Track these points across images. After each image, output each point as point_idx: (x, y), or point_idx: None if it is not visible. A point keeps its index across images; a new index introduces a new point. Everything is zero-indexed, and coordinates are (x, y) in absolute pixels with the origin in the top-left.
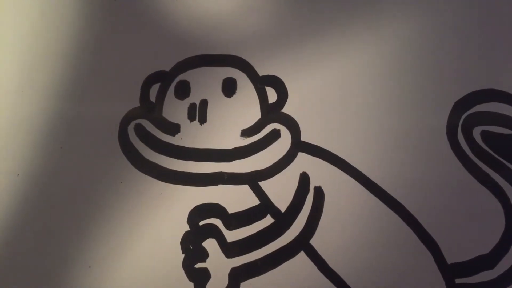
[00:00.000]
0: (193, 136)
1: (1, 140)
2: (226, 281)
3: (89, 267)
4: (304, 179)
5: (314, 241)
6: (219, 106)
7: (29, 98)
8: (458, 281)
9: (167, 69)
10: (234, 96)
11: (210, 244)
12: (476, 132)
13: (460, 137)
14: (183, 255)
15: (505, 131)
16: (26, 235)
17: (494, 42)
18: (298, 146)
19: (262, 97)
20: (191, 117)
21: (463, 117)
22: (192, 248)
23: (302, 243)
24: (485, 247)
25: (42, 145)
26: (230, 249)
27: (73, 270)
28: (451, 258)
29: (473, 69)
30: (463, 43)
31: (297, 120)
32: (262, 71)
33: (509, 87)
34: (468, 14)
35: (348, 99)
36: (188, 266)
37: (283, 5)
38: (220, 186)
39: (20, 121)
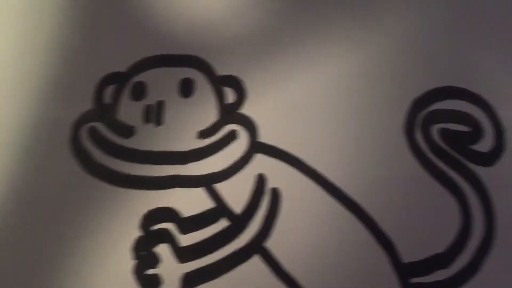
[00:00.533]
0: (148, 138)
1: None
2: (177, 287)
3: (33, 272)
4: (260, 180)
5: (269, 244)
6: (176, 107)
7: None
8: (413, 280)
9: (123, 69)
10: (191, 97)
11: (163, 249)
12: (434, 130)
13: (418, 135)
14: (135, 261)
15: (464, 128)
16: None
17: (453, 39)
18: (256, 147)
19: (220, 97)
20: (147, 119)
21: (421, 115)
22: (144, 253)
23: (256, 246)
24: (441, 246)
25: None
26: (183, 254)
27: (13, 275)
28: (406, 257)
29: (432, 66)
30: (421, 41)
31: (255, 121)
32: (221, 71)
33: (468, 84)
34: (426, 12)
35: (307, 100)
36: (139, 273)
37: (243, 3)
38: (175, 189)
39: None
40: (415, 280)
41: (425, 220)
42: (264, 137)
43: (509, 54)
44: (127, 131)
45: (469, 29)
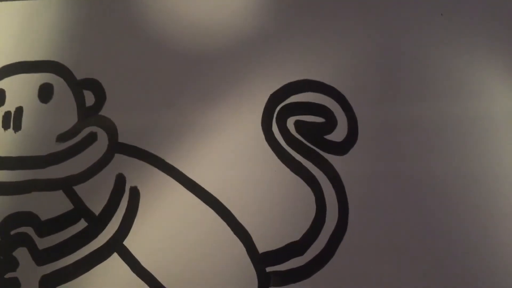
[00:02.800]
0: (7, 144)
1: None
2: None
3: None
4: (120, 180)
5: (127, 242)
6: (35, 112)
7: None
8: (269, 269)
9: None
10: (50, 101)
11: (21, 253)
12: (290, 122)
13: (275, 128)
14: None
15: (318, 119)
16: None
17: (307, 33)
18: (115, 147)
19: (80, 100)
20: (5, 126)
21: (277, 108)
22: (2, 258)
23: (115, 245)
24: (297, 235)
25: None
26: (41, 257)
27: None
28: (263, 247)
29: (288, 61)
30: (277, 37)
31: (114, 122)
32: (80, 75)
33: (322, 76)
34: (278, 8)
35: (166, 99)
36: None
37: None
38: (33, 193)
39: None
40: (271, 268)
41: (282, 211)
42: (124, 137)
43: (362, 48)
44: None
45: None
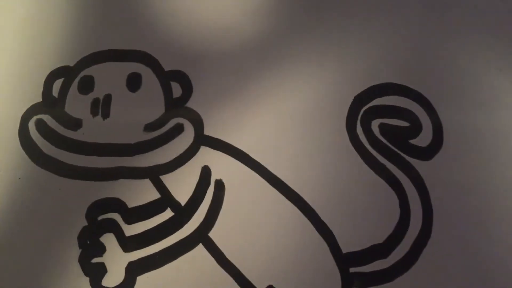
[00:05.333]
0: (95, 131)
1: None
2: (122, 276)
3: None
4: (205, 172)
5: (212, 234)
6: (123, 101)
7: None
8: (352, 270)
9: (72, 64)
10: (138, 91)
11: (108, 239)
12: (375, 125)
13: (359, 130)
14: (80, 250)
15: (402, 123)
16: None
17: (392, 37)
18: (201, 140)
19: (167, 92)
20: (94, 112)
21: (362, 110)
22: (89, 243)
23: (200, 236)
24: (380, 237)
25: None
26: (127, 244)
27: None
28: (347, 247)
29: (374, 64)
30: (364, 40)
31: (201, 115)
32: (167, 66)
33: (407, 81)
34: (371, 9)
35: (254, 96)
36: (84, 261)
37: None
38: (121, 180)
39: None
40: (354, 269)
41: (365, 212)
42: (209, 130)
43: (451, 54)
44: (75, 124)
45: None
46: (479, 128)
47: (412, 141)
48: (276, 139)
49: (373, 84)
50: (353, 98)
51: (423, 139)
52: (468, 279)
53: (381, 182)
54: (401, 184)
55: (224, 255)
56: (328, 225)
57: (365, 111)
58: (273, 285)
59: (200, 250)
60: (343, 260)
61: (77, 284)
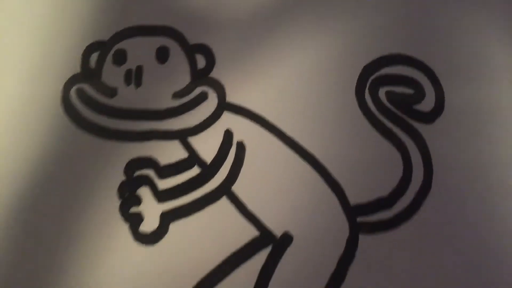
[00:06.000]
0: (129, 98)
1: None
2: (157, 223)
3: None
4: (228, 135)
5: (235, 188)
6: (153, 71)
7: None
8: (359, 219)
9: (106, 39)
10: (166, 63)
11: (144, 192)
12: (382, 92)
13: (367, 97)
14: (120, 201)
15: (407, 90)
16: None
17: (401, 10)
18: (224, 106)
19: (192, 63)
20: (128, 82)
21: (370, 79)
22: (127, 195)
23: (224, 190)
24: (385, 191)
25: None
26: (161, 195)
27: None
28: (354, 200)
29: (383, 36)
30: (372, 14)
31: (223, 83)
32: (192, 40)
33: (414, 52)
34: None
35: (269, 63)
36: (124, 211)
37: None
38: (153, 141)
39: None
40: (361, 219)
41: (372, 170)
42: (231, 97)
43: (453, 25)
44: (111, 92)
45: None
46: (477, 98)
47: (416, 107)
48: (292, 104)
49: (381, 55)
50: (362, 67)
51: (426, 105)
52: (462, 225)
53: (387, 143)
54: (405, 145)
55: (245, 206)
56: (338, 180)
57: (373, 79)
58: (289, 231)
59: (224, 202)
60: (351, 211)
61: (118, 230)
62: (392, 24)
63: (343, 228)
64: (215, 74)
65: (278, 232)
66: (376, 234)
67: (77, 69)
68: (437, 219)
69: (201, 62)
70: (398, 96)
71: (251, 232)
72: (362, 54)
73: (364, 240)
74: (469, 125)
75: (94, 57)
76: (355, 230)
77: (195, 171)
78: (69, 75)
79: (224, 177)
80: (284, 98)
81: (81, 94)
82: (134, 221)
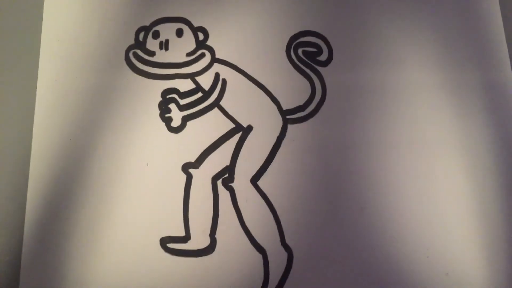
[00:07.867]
0: (161, 57)
1: None
2: (180, 122)
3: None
4: (217, 75)
5: (222, 103)
6: (174, 42)
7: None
8: (288, 116)
9: (147, 24)
10: (182, 37)
11: (172, 106)
12: (300, 51)
13: (292, 53)
14: (159, 111)
15: (314, 49)
16: None
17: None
18: (214, 60)
19: (196, 37)
20: (160, 47)
21: (293, 43)
22: (163, 107)
23: (215, 104)
24: (301, 102)
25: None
26: (181, 108)
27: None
28: (285, 107)
29: (301, 15)
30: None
31: (213, 47)
32: (196, 24)
33: (319, 28)
34: None
35: (241, 38)
36: (162, 116)
37: None
38: (176, 80)
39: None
40: (289, 116)
41: (294, 91)
42: (218, 55)
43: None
44: (151, 53)
45: None
46: (359, 52)
47: (318, 58)
48: (250, 57)
49: (300, 30)
50: (289, 37)
51: (323, 57)
52: (360, 120)
53: (302, 78)
54: (311, 78)
55: (228, 113)
56: (276, 97)
57: (295, 44)
58: (251, 125)
59: (216, 111)
60: (283, 112)
61: (157, 128)
62: (312, 6)
63: (278, 121)
64: (209, 42)
65: (244, 124)
66: (296, 124)
67: (131, 41)
68: (337, 112)
69: (200, 36)
70: (309, 53)
71: (231, 125)
72: (290, 28)
73: (291, 128)
74: (353, 66)
75: (141, 34)
76: (285, 123)
77: (199, 94)
78: (128, 44)
79: (215, 97)
80: (247, 54)
81: (135, 54)
82: (167, 121)
